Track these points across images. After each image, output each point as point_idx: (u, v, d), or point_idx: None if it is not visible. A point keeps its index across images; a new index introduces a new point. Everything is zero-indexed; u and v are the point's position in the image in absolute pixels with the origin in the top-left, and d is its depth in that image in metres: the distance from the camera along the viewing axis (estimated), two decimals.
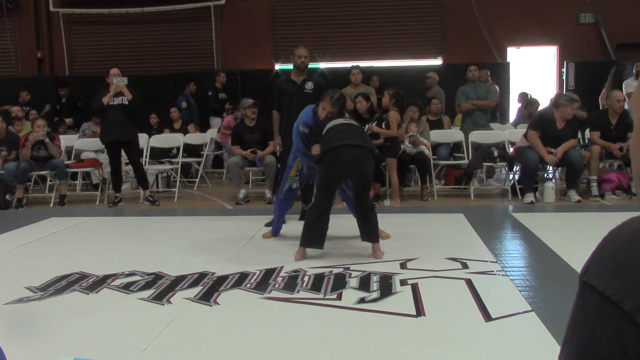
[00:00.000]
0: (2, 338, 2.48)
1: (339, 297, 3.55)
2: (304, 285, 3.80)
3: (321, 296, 3.58)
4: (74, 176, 8.68)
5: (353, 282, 3.85)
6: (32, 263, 4.62)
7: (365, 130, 7.23)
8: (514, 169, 7.78)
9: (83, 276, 4.14)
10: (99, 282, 3.98)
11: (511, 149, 7.90)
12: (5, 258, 4.85)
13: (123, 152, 7.66)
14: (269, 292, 3.69)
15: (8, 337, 2.90)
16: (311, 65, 9.55)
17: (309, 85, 5.97)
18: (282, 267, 4.23)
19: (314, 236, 4.48)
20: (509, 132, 8.37)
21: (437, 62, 12.06)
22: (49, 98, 11.22)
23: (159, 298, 3.62)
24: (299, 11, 12.30)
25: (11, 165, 7.61)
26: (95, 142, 8.27)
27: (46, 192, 8.52)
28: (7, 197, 7.75)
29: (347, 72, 9.01)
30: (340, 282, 3.84)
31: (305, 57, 6.02)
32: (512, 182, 7.76)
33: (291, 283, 3.86)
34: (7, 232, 5.92)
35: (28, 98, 10.81)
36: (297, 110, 5.94)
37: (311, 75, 6.09)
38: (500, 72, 11.13)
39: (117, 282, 3.99)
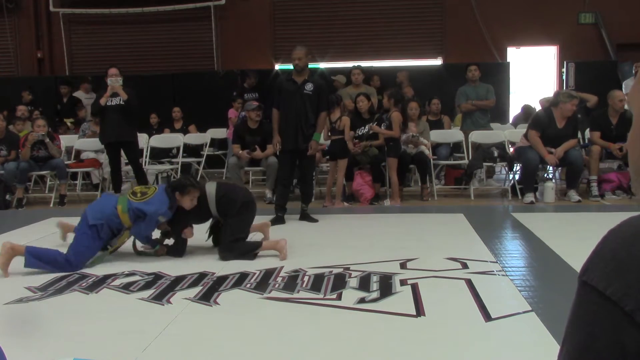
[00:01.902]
0: (1, 338, 2.48)
1: (339, 297, 3.55)
2: (303, 286, 3.80)
3: (321, 296, 3.58)
4: (74, 176, 8.68)
5: (353, 282, 3.84)
6: None
7: (367, 130, 7.25)
8: (514, 169, 7.78)
9: (83, 276, 4.14)
10: (99, 282, 3.98)
11: (511, 149, 7.90)
12: None
13: (123, 153, 7.66)
14: (269, 292, 3.69)
15: (8, 337, 2.90)
16: (311, 65, 9.56)
17: (309, 87, 5.94)
18: (282, 267, 4.23)
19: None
20: (509, 132, 8.37)
21: (437, 62, 12.06)
22: (49, 98, 11.22)
23: (158, 298, 3.61)
24: (298, 11, 12.30)
25: (11, 165, 7.61)
26: (95, 142, 8.27)
27: (46, 192, 8.52)
28: (7, 197, 7.75)
29: (347, 72, 9.01)
30: (340, 282, 3.84)
31: (300, 58, 5.92)
32: (512, 182, 7.76)
33: (291, 283, 3.86)
34: (7, 232, 5.91)
35: (30, 98, 10.82)
36: (296, 110, 5.93)
37: (312, 77, 6.07)
38: (500, 72, 11.13)
39: (117, 282, 3.99)
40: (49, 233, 5.80)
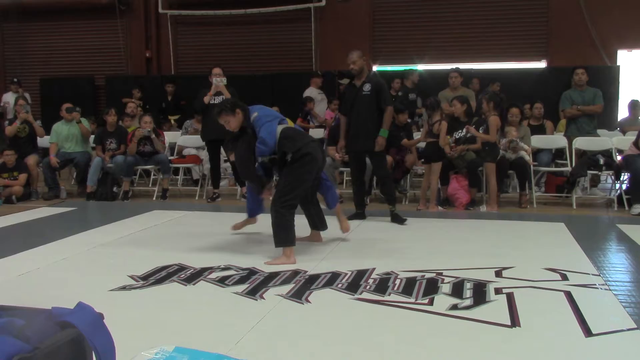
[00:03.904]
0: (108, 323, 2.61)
1: (431, 302, 3.50)
2: (395, 288, 3.78)
3: (412, 300, 3.54)
4: (176, 171, 9.05)
5: (445, 287, 3.78)
6: (135, 253, 4.86)
7: (464, 134, 7.10)
8: (622, 178, 7.38)
9: (181, 268, 4.31)
10: (196, 275, 4.13)
11: (619, 157, 7.51)
12: (111, 247, 5.12)
13: (222, 150, 7.90)
14: (360, 293, 3.68)
15: (112, 322, 3.05)
16: (408, 67, 9.48)
17: (367, 87, 6.08)
18: (373, 269, 4.22)
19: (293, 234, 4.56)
20: (616, 140, 7.95)
21: (541, 64, 11.63)
22: (156, 96, 11.75)
23: (252, 293, 3.70)
24: (398, 13, 12.22)
25: (119, 158, 8.05)
26: (197, 139, 8.58)
27: (150, 185, 8.93)
28: (115, 189, 8.20)
29: (445, 74, 8.88)
30: (432, 287, 3.79)
31: (354, 62, 6.04)
32: (618, 192, 7.38)
33: (382, 285, 3.84)
34: (114, 222, 6.26)
35: (139, 96, 11.40)
36: (357, 113, 6.05)
37: (369, 77, 6.13)
38: (609, 76, 10.59)
39: (213, 275, 4.12)
40: (152, 225, 6.09)
